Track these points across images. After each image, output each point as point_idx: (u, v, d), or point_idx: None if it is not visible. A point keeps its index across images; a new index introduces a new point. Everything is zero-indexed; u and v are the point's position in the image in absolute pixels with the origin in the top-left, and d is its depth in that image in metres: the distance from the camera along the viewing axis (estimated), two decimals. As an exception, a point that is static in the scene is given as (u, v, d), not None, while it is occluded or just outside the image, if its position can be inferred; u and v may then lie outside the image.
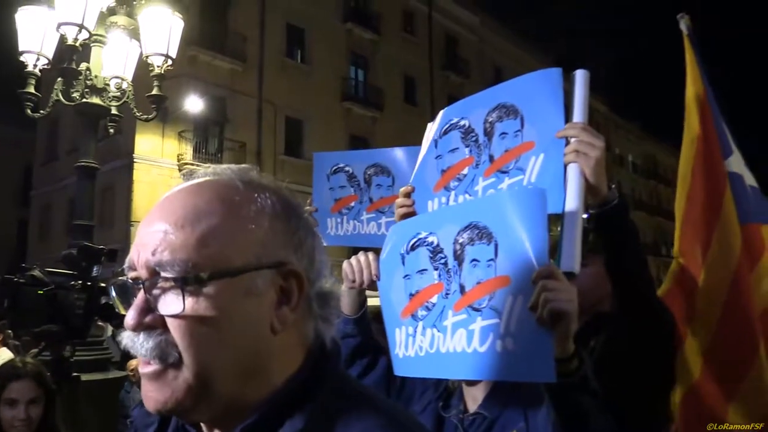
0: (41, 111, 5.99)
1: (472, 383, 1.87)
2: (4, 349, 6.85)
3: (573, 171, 1.66)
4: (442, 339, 1.64)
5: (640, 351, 1.94)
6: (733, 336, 2.20)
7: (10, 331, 7.79)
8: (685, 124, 2.43)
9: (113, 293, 0.90)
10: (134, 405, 1.09)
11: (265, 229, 0.87)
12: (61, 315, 3.58)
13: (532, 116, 1.80)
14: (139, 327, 0.83)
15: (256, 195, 0.89)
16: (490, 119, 1.90)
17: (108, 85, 5.78)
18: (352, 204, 2.60)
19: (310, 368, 0.90)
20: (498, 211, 1.55)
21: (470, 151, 1.93)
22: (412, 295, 1.75)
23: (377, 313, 1.96)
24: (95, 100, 5.67)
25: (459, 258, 1.63)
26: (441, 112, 2.08)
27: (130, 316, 0.83)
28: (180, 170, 21.39)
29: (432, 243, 1.70)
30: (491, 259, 1.54)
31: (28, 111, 5.88)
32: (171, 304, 0.82)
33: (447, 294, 1.65)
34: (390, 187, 2.55)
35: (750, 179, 2.62)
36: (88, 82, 5.64)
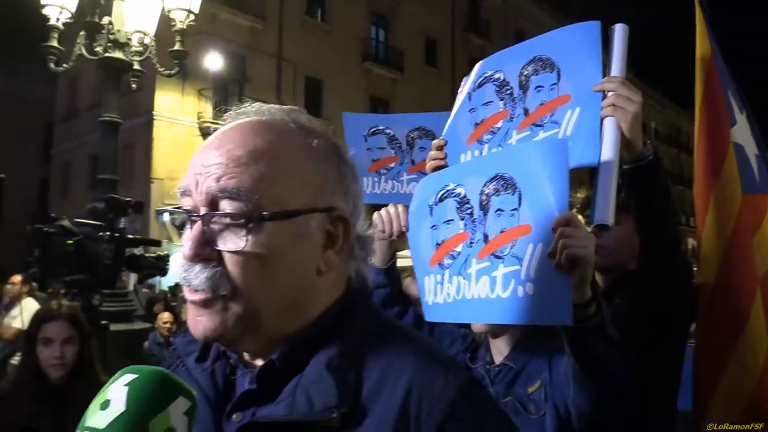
0: (64, 65, 6.01)
1: (498, 335, 1.90)
2: (31, 299, 7.03)
3: (609, 124, 1.65)
4: (467, 286, 1.67)
5: (660, 309, 1.95)
6: (725, 305, 2.18)
7: (35, 283, 7.98)
8: (695, 88, 2.40)
9: (167, 220, 0.92)
10: (177, 333, 1.14)
11: (320, 174, 0.90)
12: (89, 264, 3.67)
13: (568, 70, 1.78)
14: (196, 258, 0.85)
15: (309, 140, 0.91)
16: (526, 72, 1.88)
17: (130, 39, 5.76)
18: (392, 165, 2.64)
19: (345, 301, 0.94)
20: (523, 161, 1.57)
21: (504, 104, 1.92)
22: (438, 244, 1.79)
23: None
24: (118, 54, 5.66)
25: (484, 208, 1.65)
26: (477, 65, 2.06)
27: (188, 247, 0.85)
28: (200, 128, 21.49)
29: (459, 194, 1.73)
30: (515, 209, 1.57)
31: (51, 65, 5.89)
32: (231, 240, 0.84)
33: (471, 243, 1.69)
34: None
35: (754, 148, 2.58)
36: (110, 36, 5.62)
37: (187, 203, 0.88)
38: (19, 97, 30.61)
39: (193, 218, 0.86)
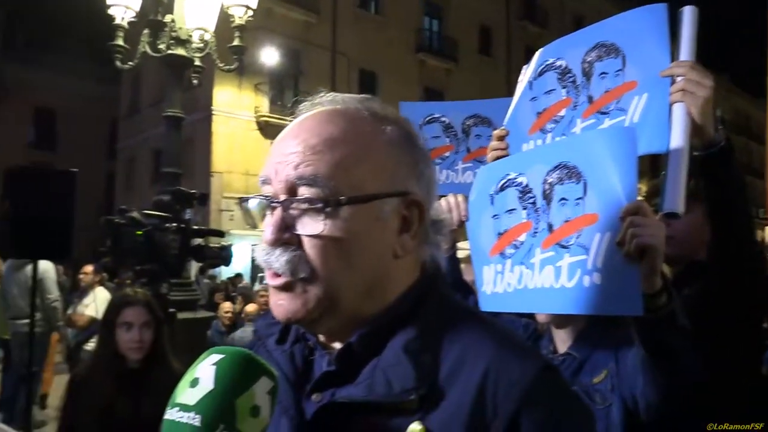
0: (129, 63, 6.22)
1: (561, 325, 1.88)
2: (102, 288, 7.34)
3: (679, 110, 1.60)
4: (530, 275, 1.66)
5: (732, 300, 1.89)
6: None
7: (105, 274, 8.33)
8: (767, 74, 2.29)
9: (252, 206, 0.97)
10: (261, 316, 1.21)
11: (394, 159, 0.92)
12: (157, 254, 3.83)
13: (634, 55, 1.74)
14: (276, 243, 0.89)
15: (383, 126, 0.94)
16: (589, 59, 1.84)
17: (191, 36, 5.92)
18: (447, 154, 2.59)
19: (421, 285, 0.96)
20: (588, 150, 1.55)
21: (567, 92, 1.89)
22: (500, 234, 1.78)
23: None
24: (180, 51, 5.82)
25: (548, 197, 1.64)
26: (537, 53, 2.04)
27: (269, 232, 0.89)
28: (257, 123, 21.90)
29: (521, 183, 1.72)
30: (580, 198, 1.55)
31: (118, 63, 6.11)
32: (310, 224, 0.87)
33: (535, 232, 1.67)
34: (490, 137, 2.54)
35: None
36: (173, 33, 5.79)
37: (267, 191, 0.92)
38: (86, 95, 31.91)
39: (273, 204, 0.90)
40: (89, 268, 7.22)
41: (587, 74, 1.84)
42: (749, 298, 1.92)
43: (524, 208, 1.71)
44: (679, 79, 1.62)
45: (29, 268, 4.83)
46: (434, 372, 0.86)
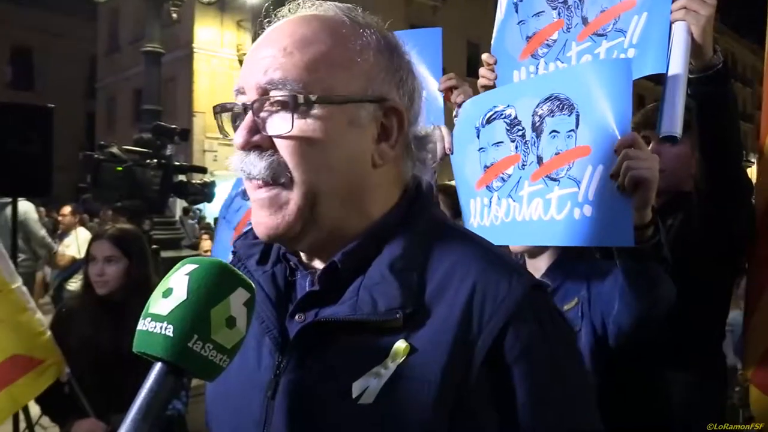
0: (105, -4, 6.00)
1: (535, 255, 1.89)
2: (83, 228, 7.29)
3: (680, 29, 1.55)
4: (518, 208, 1.66)
5: (715, 228, 1.90)
6: None
7: (86, 215, 8.27)
8: None
9: (222, 116, 0.93)
10: (239, 236, 1.17)
11: (370, 64, 0.89)
12: (138, 190, 3.78)
13: None
14: (247, 145, 0.86)
15: (361, 30, 0.90)
16: None
17: (169, -34, 5.72)
18: None
19: (407, 203, 0.94)
20: (581, 82, 1.52)
21: (559, 13, 1.82)
22: (487, 167, 1.77)
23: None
24: (158, -18, 5.64)
25: (537, 129, 1.62)
26: None
27: (239, 135, 0.86)
28: (239, 61, 21.43)
29: (509, 115, 1.69)
30: (572, 130, 1.53)
31: (93, -6, 5.90)
32: (279, 124, 0.84)
33: (524, 165, 1.66)
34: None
35: None
36: (150, -37, 5.59)
37: (242, 101, 0.89)
38: (64, 33, 30.94)
39: (245, 108, 0.87)
40: (67, 209, 7.15)
41: None
42: (731, 227, 1.92)
43: (512, 141, 1.69)
44: None
45: (9, 209, 4.75)
46: (421, 290, 0.85)
